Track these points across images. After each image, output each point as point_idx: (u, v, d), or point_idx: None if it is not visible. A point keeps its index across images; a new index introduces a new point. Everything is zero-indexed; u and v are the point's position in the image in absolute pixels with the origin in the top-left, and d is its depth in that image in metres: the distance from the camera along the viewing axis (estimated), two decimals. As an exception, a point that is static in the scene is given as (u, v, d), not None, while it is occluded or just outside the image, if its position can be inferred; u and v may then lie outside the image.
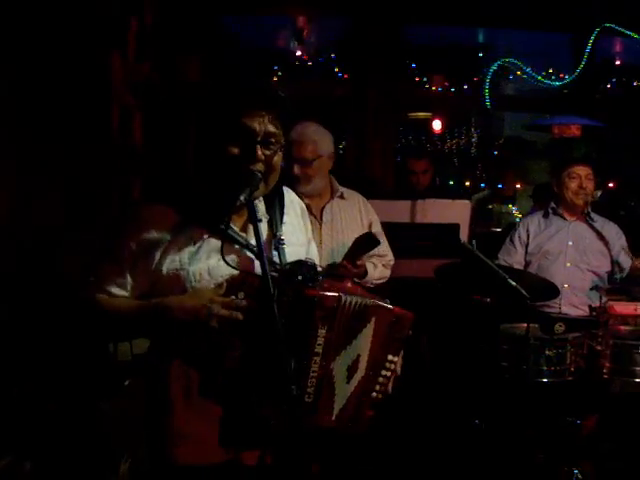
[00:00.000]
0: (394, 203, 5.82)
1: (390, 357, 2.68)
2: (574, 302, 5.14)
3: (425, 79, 9.48)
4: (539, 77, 8.42)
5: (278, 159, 2.60)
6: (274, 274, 2.50)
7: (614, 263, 5.14)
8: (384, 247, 4.46)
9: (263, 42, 9.49)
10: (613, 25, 8.07)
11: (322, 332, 2.45)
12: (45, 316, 3.35)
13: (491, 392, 4.45)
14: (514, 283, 2.90)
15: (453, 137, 13.92)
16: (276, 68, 9.44)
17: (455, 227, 5.56)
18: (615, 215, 6.42)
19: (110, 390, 3.60)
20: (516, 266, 5.23)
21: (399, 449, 4.84)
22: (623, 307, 4.62)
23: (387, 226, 5.37)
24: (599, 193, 5.24)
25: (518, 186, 10.01)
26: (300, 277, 2.49)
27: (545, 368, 4.26)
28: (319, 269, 2.59)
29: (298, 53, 9.36)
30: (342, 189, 4.44)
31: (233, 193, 2.41)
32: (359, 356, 2.61)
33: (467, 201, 5.97)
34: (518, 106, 9.13)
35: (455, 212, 5.75)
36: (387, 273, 4.48)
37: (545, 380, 4.27)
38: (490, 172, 12.80)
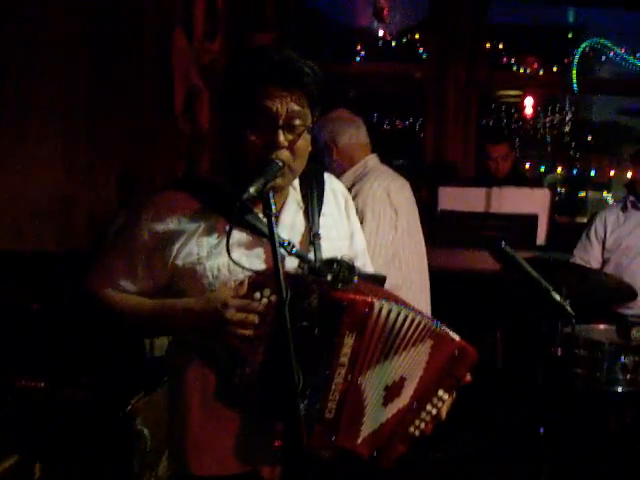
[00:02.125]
0: (467, 190, 5.57)
1: (441, 393, 2.36)
2: (656, 304, 4.74)
3: (512, 60, 9.13)
4: (630, 59, 7.93)
5: (304, 143, 2.31)
6: (300, 272, 2.25)
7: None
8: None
9: (345, 20, 9.28)
10: None
11: (349, 341, 2.17)
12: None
13: (561, 398, 4.12)
14: (558, 297, 2.56)
15: (544, 121, 13.43)
16: (358, 48, 9.28)
17: (532, 218, 5.27)
18: None
19: (145, 387, 3.39)
20: (593, 263, 4.89)
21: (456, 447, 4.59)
22: None
23: (459, 215, 5.15)
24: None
25: (612, 173, 9.59)
26: (330, 277, 2.21)
27: (620, 376, 3.93)
28: (357, 269, 2.31)
29: (380, 33, 9.13)
30: None
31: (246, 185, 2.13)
32: (403, 379, 2.30)
33: (547, 190, 5.62)
34: (610, 89, 8.63)
35: (534, 202, 5.45)
36: None
37: (619, 389, 3.93)
38: (582, 158, 12.37)
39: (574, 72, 7.64)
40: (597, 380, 3.96)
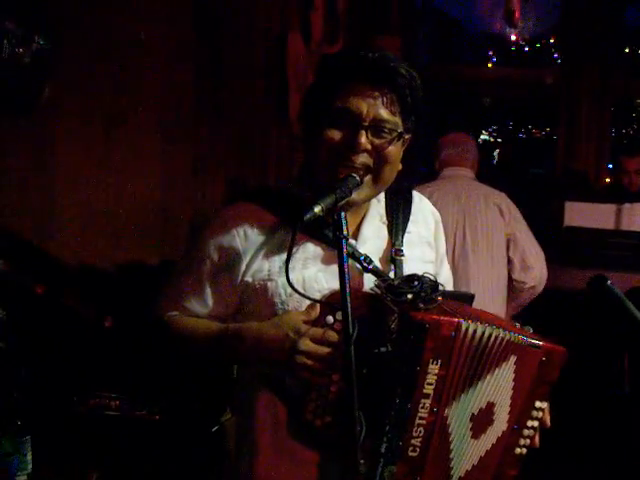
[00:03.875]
0: (596, 206, 5.21)
1: (538, 404, 2.08)
2: None
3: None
4: None
5: (395, 150, 2.06)
6: (377, 291, 2.00)
7: None
8: None
9: (477, 25, 9.02)
10: None
11: (434, 368, 1.89)
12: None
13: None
14: None
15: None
16: (490, 53, 9.05)
17: (667, 237, 4.87)
18: None
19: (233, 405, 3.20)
20: None
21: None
22: None
23: (586, 232, 4.85)
24: None
25: None
26: (410, 296, 1.94)
27: None
28: (440, 288, 2.03)
29: (513, 37, 8.81)
30: None
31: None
32: (492, 405, 2.02)
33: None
34: None
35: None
36: None
37: None
38: None
39: None
40: None
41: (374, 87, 2.01)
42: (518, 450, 2.09)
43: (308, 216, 1.84)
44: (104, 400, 3.06)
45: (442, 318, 1.90)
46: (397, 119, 2.04)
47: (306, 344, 1.92)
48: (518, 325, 2.11)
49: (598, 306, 2.32)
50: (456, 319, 1.91)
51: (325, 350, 1.91)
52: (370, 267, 2.06)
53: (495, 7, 8.20)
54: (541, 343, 2.05)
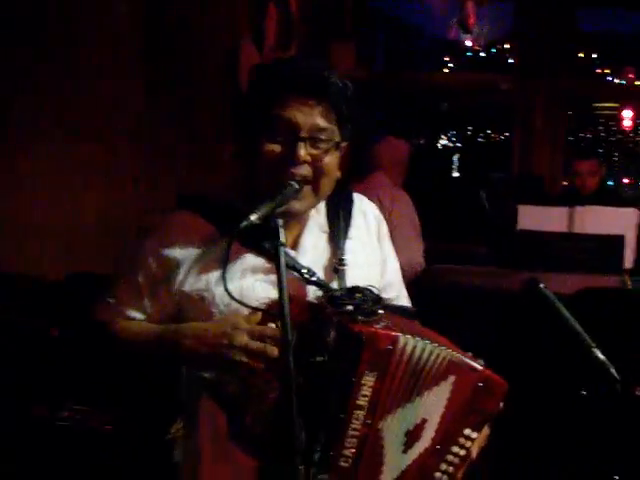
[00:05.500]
0: (549, 209, 5.23)
1: (467, 432, 2.04)
2: None
3: (607, 70, 8.73)
4: None
5: (333, 160, 2.07)
6: (317, 302, 1.99)
7: None
8: None
9: (432, 31, 9.06)
10: None
11: (369, 380, 1.88)
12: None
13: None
14: (602, 357, 2.17)
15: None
16: (447, 59, 9.09)
17: (618, 239, 4.88)
18: None
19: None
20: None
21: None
22: None
23: (539, 235, 4.88)
24: None
25: None
26: (351, 307, 1.94)
27: None
28: (383, 300, 2.03)
29: (469, 43, 8.84)
30: None
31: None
32: (425, 421, 2.00)
33: (634, 209, 5.20)
34: None
35: (620, 222, 5.06)
36: None
37: None
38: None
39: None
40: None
41: (309, 97, 2.00)
42: (438, 475, 2.04)
43: (244, 224, 1.83)
44: (56, 410, 3.05)
45: (380, 331, 1.89)
46: (333, 128, 2.04)
47: (243, 339, 1.90)
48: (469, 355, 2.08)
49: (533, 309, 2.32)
50: (394, 333, 1.90)
51: (263, 348, 1.89)
52: (312, 279, 2.04)
53: (450, 13, 8.23)
54: (480, 367, 2.04)
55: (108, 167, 4.16)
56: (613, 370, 2.15)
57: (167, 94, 4.61)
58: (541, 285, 2.22)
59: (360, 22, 7.32)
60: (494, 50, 9.03)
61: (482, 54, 9.06)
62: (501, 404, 2.07)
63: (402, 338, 1.91)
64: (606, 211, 5.18)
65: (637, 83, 9.30)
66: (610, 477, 3.76)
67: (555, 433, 4.13)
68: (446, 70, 9.03)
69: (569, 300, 3.98)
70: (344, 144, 2.11)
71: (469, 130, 11.87)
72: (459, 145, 11.72)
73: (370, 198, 4.95)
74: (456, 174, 11.44)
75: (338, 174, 2.13)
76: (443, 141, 11.67)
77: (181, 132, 4.80)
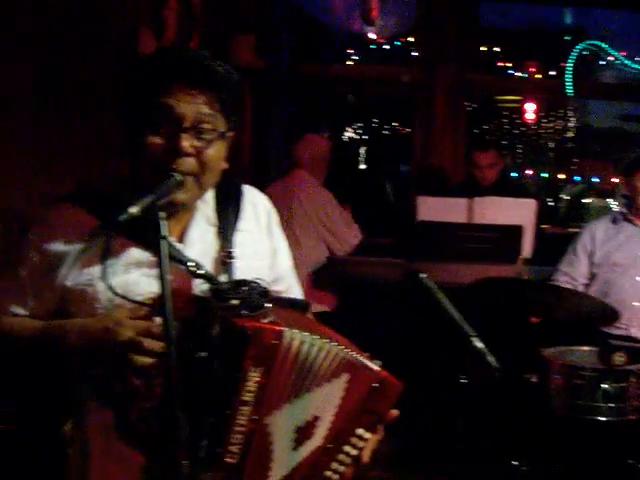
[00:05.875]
0: (448, 200, 5.29)
1: (360, 432, 2.04)
2: (646, 324, 4.40)
3: (510, 64, 8.86)
4: (629, 62, 7.59)
5: (216, 152, 2.04)
6: (203, 296, 1.95)
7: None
8: None
9: (336, 23, 9.04)
10: None
11: (254, 376, 1.86)
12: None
13: (537, 429, 3.80)
14: (481, 345, 2.19)
15: (545, 126, 13.12)
16: (351, 51, 9.09)
17: (517, 230, 4.95)
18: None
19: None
20: (579, 279, 4.56)
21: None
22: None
23: (438, 226, 4.93)
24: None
25: (617, 180, 9.30)
26: (236, 301, 1.90)
27: (602, 404, 3.59)
28: (271, 293, 2.01)
29: (373, 36, 8.85)
30: None
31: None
32: (317, 419, 1.99)
33: (532, 200, 5.29)
34: (608, 94, 8.29)
35: (519, 212, 5.13)
36: None
37: (601, 418, 3.60)
38: (586, 165, 12.11)
39: (568, 76, 7.30)
40: (577, 408, 3.63)
41: (192, 87, 1.98)
42: (329, 473, 2.03)
43: (122, 218, 1.78)
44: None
45: (265, 326, 1.87)
46: (218, 118, 2.02)
47: (126, 335, 1.85)
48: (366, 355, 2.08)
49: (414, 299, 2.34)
50: (279, 327, 1.88)
51: (146, 343, 1.85)
52: (199, 272, 2.01)
53: (353, 6, 8.23)
54: (376, 368, 2.04)
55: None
56: (491, 358, 2.17)
57: (59, 78, 4.48)
58: (421, 275, 2.23)
59: (263, 14, 7.25)
60: (398, 43, 9.05)
61: (386, 47, 9.07)
62: (395, 411, 2.08)
63: (288, 333, 1.89)
64: (505, 202, 5.25)
65: (538, 77, 9.47)
66: (508, 463, 3.84)
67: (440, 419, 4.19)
68: (350, 62, 9.01)
69: (467, 290, 4.07)
70: (230, 134, 2.09)
71: (375, 123, 11.90)
72: (365, 138, 11.77)
73: (291, 197, 5.35)
74: (363, 166, 11.49)
75: (224, 165, 2.12)
76: (349, 133, 11.69)
77: (75, 119, 4.67)
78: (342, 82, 8.35)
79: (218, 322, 1.86)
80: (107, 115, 4.98)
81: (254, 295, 1.94)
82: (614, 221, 4.69)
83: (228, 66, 2.05)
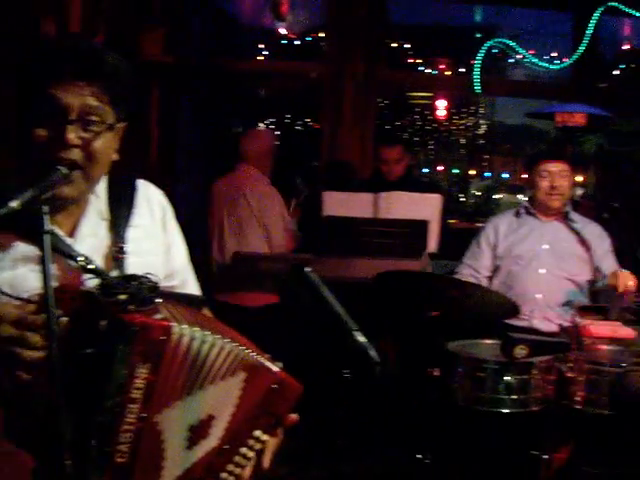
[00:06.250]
0: (354, 195, 5.28)
1: (257, 433, 2.00)
2: (548, 315, 4.45)
3: (420, 61, 8.93)
4: (534, 60, 7.71)
5: (104, 144, 1.98)
6: (91, 291, 1.89)
7: (596, 270, 4.46)
8: None
9: (248, 18, 9.00)
10: (617, 4, 7.31)
11: (142, 373, 1.80)
12: None
13: (441, 423, 3.82)
14: (363, 339, 2.18)
15: (457, 123, 13.31)
16: (262, 46, 9.06)
17: (422, 224, 4.98)
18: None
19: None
20: (482, 271, 4.61)
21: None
22: (600, 328, 3.92)
23: (344, 221, 4.93)
24: (579, 191, 4.53)
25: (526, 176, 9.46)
26: (125, 296, 1.86)
27: (505, 397, 3.63)
28: (159, 288, 1.95)
29: (283, 31, 8.83)
30: None
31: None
32: (212, 418, 1.94)
33: (438, 195, 5.31)
34: (515, 92, 8.41)
35: (424, 207, 5.16)
36: None
37: (505, 410, 3.63)
38: (496, 161, 12.31)
39: (476, 73, 7.37)
40: (480, 401, 3.66)
41: (79, 78, 1.92)
42: (224, 475, 1.98)
43: (3, 212, 1.72)
44: None
45: (152, 321, 1.82)
46: (107, 109, 1.97)
47: (9, 330, 1.78)
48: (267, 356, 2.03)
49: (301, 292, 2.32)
50: (167, 323, 1.83)
51: (31, 339, 1.77)
52: (89, 267, 1.95)
53: (264, 1, 8.20)
54: (276, 369, 2.00)
55: None
56: (373, 352, 2.16)
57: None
58: (306, 269, 2.20)
59: (173, 7, 7.17)
60: (309, 38, 9.06)
61: (297, 42, 9.07)
62: (295, 415, 2.05)
63: (177, 328, 1.84)
64: (411, 197, 5.25)
65: (448, 74, 9.58)
66: (412, 456, 3.86)
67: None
68: (261, 58, 8.97)
69: (370, 284, 4.08)
70: (120, 125, 2.04)
71: (287, 118, 11.91)
72: (278, 133, 11.76)
73: (236, 190, 5.36)
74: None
75: (114, 156, 2.07)
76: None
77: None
78: (253, 77, 8.32)
79: (105, 318, 1.81)
80: (8, 107, 4.85)
81: (144, 290, 1.88)
82: (517, 215, 4.73)
83: (119, 56, 1.99)
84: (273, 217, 5.43)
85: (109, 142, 2.00)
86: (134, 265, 2.06)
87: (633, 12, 7.37)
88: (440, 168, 13.33)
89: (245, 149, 5.62)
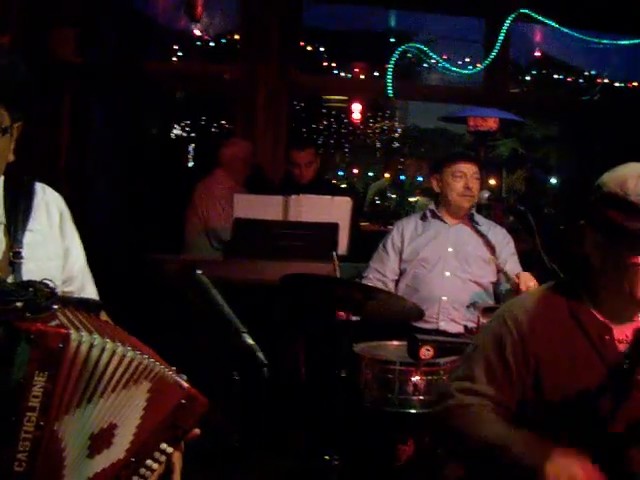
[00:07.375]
0: (264, 198, 5.31)
1: (164, 446, 1.99)
2: (454, 317, 4.53)
3: (334, 64, 8.98)
4: (447, 65, 7.81)
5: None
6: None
7: (500, 272, 4.55)
8: None
9: (162, 19, 8.92)
10: (529, 11, 7.46)
11: (40, 380, 1.79)
12: None
13: (350, 424, 3.85)
14: (251, 341, 2.21)
15: (372, 127, 13.41)
16: (176, 48, 9.00)
17: (333, 227, 5.01)
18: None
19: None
20: (389, 275, 4.66)
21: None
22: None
23: (254, 224, 4.95)
24: (486, 194, 4.60)
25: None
26: (20, 304, 1.84)
27: (412, 397, 3.69)
28: (57, 295, 1.95)
29: (198, 33, 8.78)
30: None
31: None
32: (114, 427, 1.93)
33: (348, 198, 5.35)
34: (428, 96, 8.49)
35: (334, 210, 5.19)
36: None
37: (412, 411, 3.69)
38: (412, 163, 12.44)
39: (389, 77, 7.43)
40: (388, 402, 3.71)
41: None
42: None
43: None
44: None
45: (49, 329, 1.81)
46: (1, 112, 1.96)
47: None
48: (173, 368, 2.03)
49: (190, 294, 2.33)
50: (65, 330, 1.82)
51: None
52: None
53: (179, 2, 8.14)
54: (186, 385, 2.00)
55: None
56: (260, 354, 2.19)
57: None
58: (198, 272, 2.22)
59: (86, 7, 7.06)
60: (224, 40, 9.03)
61: (212, 44, 9.03)
62: (197, 430, 2.05)
63: (75, 335, 1.83)
64: (321, 200, 5.27)
65: (362, 77, 9.64)
66: (320, 457, 3.88)
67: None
68: (175, 59, 8.92)
69: (276, 287, 4.09)
70: (17, 125, 2.03)
71: (203, 120, 11.85)
72: (193, 135, 11.70)
73: (209, 193, 5.38)
74: (191, 164, 11.40)
75: (10, 157, 2.06)
76: (177, 131, 11.59)
77: None
78: (167, 78, 8.24)
79: (1, 325, 1.80)
80: None
81: (40, 297, 1.87)
82: (423, 218, 4.79)
83: (12, 63, 1.98)
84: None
85: (4, 144, 1.99)
86: (31, 271, 2.04)
87: (544, 19, 7.53)
88: (355, 171, 13.43)
89: (221, 155, 6.36)
